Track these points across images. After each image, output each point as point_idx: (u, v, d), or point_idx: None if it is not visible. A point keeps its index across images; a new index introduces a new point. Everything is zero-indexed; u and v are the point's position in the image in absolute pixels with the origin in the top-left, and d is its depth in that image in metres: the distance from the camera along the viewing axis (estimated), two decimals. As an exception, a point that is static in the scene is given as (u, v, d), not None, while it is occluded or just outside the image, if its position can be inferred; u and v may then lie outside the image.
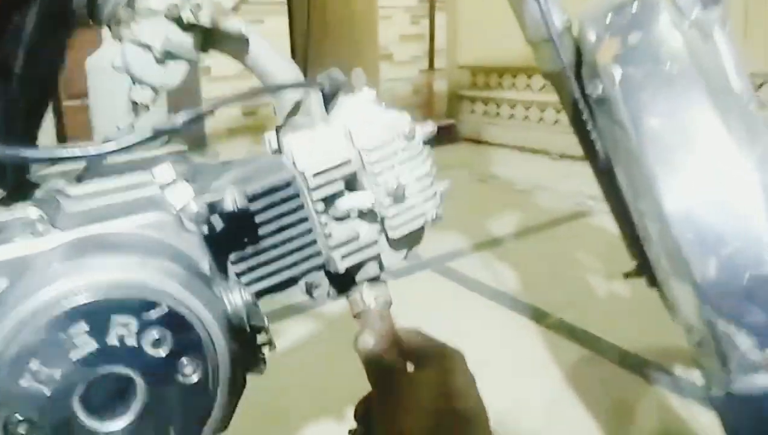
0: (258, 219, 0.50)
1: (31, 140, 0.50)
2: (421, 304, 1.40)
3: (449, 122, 4.27)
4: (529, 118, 3.94)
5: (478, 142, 4.11)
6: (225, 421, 0.39)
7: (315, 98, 0.58)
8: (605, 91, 0.71)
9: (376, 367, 0.51)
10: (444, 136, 3.96)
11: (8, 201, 0.43)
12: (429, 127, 0.60)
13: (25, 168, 0.46)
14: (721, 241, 0.63)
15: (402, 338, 0.56)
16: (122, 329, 0.32)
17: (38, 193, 0.45)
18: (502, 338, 1.51)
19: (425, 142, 0.59)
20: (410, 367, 0.54)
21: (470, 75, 4.36)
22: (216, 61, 3.11)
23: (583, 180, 2.78)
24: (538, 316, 1.60)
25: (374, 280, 0.58)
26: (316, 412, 1.22)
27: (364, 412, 0.52)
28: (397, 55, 4.07)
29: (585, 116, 0.74)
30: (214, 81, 3.18)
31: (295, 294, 0.54)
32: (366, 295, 0.56)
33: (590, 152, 0.80)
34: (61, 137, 3.13)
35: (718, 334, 0.63)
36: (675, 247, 0.66)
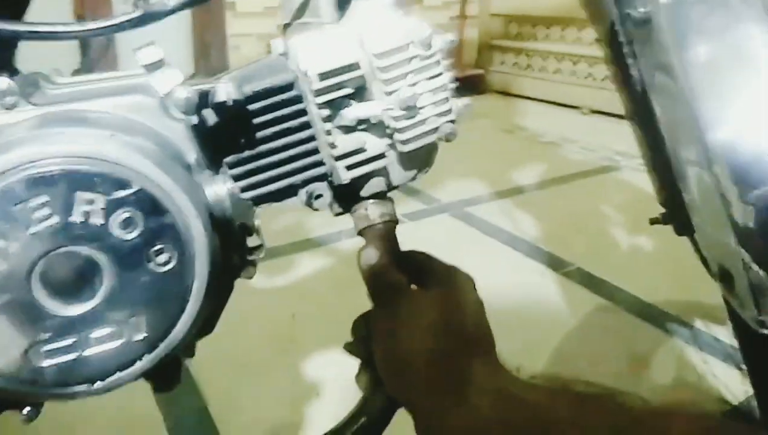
0: (256, 120, 0.47)
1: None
2: (436, 246, 1.36)
3: (478, 72, 4.14)
4: (561, 71, 3.79)
5: (506, 94, 3.99)
6: (207, 323, 0.37)
7: (325, -4, 0.53)
8: (648, 12, 0.65)
9: (378, 283, 0.49)
10: (471, 86, 3.84)
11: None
12: (449, 37, 0.55)
13: (6, 47, 0.43)
14: (765, 177, 0.58)
15: (408, 258, 0.53)
16: (87, 206, 0.29)
17: (21, 75, 0.42)
18: (517, 283, 1.48)
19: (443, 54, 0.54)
20: (414, 288, 0.51)
21: (503, 24, 4.20)
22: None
23: (612, 136, 2.71)
24: (556, 264, 1.57)
25: (381, 197, 0.54)
26: (323, 340, 1.22)
27: (363, 328, 0.50)
28: (427, -1, 3.93)
29: (622, 38, 0.68)
30: (239, 17, 3.11)
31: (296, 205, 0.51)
32: (371, 210, 0.53)
33: (624, 83, 0.75)
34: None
35: (753, 278, 0.58)
36: (714, 185, 0.61)
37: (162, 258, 0.30)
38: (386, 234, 0.53)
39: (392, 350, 0.44)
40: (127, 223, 0.30)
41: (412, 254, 0.53)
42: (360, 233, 0.53)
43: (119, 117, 0.34)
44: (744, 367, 0.73)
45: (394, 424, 0.50)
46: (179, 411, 1.05)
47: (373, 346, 0.47)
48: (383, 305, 0.48)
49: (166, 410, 1.04)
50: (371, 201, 0.54)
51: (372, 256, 0.50)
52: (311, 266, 1.52)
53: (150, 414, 1.03)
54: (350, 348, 0.51)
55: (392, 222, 0.54)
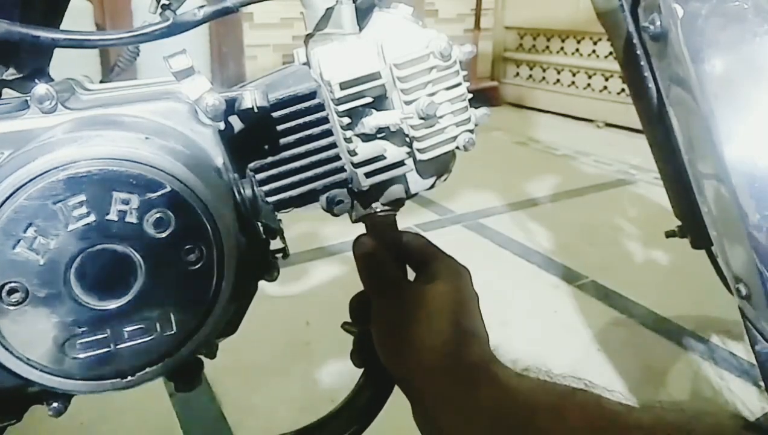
0: (280, 127, 0.48)
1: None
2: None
3: (492, 84, 4.16)
4: (575, 84, 3.79)
5: (520, 106, 4.00)
6: (231, 324, 0.38)
7: (347, 9, 0.54)
8: (664, 26, 0.66)
9: (373, 275, 0.50)
10: (485, 99, 3.86)
11: (24, 84, 0.42)
12: (467, 48, 0.56)
13: (43, 54, 0.45)
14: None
15: (406, 244, 0.54)
16: (123, 205, 0.30)
17: (56, 81, 0.44)
18: (531, 295, 1.48)
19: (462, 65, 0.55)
20: (411, 277, 0.52)
21: (517, 36, 4.22)
22: (259, 8, 3.08)
23: (627, 149, 2.70)
24: (570, 277, 1.56)
25: (400, 204, 0.55)
26: (337, 347, 1.22)
27: (360, 310, 0.52)
28: (442, 11, 3.95)
29: (639, 51, 0.69)
30: (255, 28, 3.16)
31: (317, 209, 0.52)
32: None
33: (640, 96, 0.75)
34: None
35: (768, 287, 0.58)
36: (731, 197, 0.61)
37: (192, 257, 0.32)
38: (384, 220, 0.54)
39: (393, 340, 0.46)
40: (159, 223, 0.31)
41: (411, 239, 0.54)
42: (359, 220, 0.54)
43: (152, 121, 0.35)
44: (761, 383, 0.72)
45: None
46: (195, 414, 1.06)
47: (373, 335, 0.48)
48: (378, 297, 0.49)
49: (182, 413, 1.06)
50: None
51: (365, 244, 0.51)
52: (325, 274, 1.53)
53: (166, 417, 1.04)
54: (347, 327, 0.53)
55: (392, 210, 0.55)
